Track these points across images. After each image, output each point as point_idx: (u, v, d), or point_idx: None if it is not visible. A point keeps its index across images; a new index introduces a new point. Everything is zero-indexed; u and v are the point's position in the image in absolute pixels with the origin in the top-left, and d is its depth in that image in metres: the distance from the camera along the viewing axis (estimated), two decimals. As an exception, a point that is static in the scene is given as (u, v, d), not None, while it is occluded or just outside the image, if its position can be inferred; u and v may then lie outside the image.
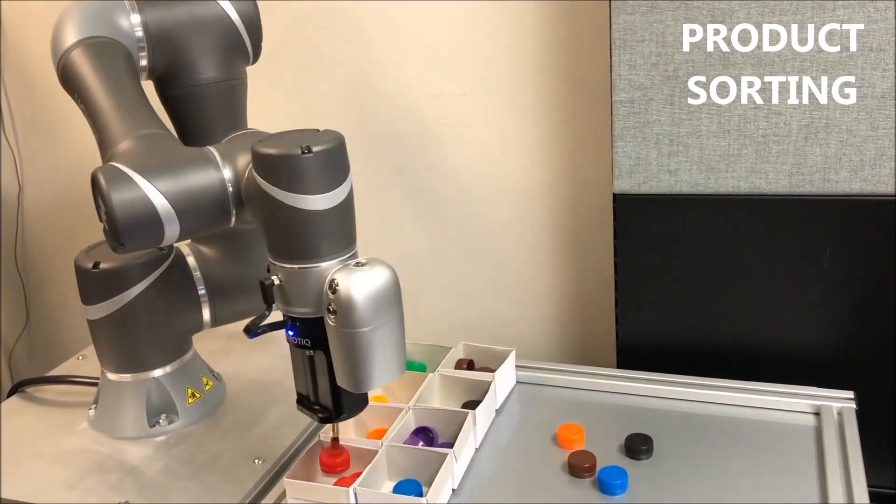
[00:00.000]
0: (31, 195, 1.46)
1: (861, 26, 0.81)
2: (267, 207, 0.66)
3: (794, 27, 0.83)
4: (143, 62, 0.86)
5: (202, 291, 0.94)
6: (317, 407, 0.73)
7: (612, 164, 0.93)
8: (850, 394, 0.87)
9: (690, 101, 0.88)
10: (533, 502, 0.77)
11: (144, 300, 0.88)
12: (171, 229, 0.69)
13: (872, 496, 0.74)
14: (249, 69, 0.93)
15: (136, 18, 0.85)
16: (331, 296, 0.65)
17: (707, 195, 0.91)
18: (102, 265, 0.87)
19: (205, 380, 0.96)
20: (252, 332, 0.70)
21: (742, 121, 0.88)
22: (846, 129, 0.85)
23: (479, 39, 1.10)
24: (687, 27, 0.86)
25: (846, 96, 0.84)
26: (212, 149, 0.73)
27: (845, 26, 0.82)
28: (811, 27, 0.82)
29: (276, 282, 0.68)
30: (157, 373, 0.92)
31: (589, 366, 0.98)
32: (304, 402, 0.75)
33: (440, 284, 1.25)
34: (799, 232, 0.90)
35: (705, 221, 0.92)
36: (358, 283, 0.64)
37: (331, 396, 0.71)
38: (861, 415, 0.85)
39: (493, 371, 0.91)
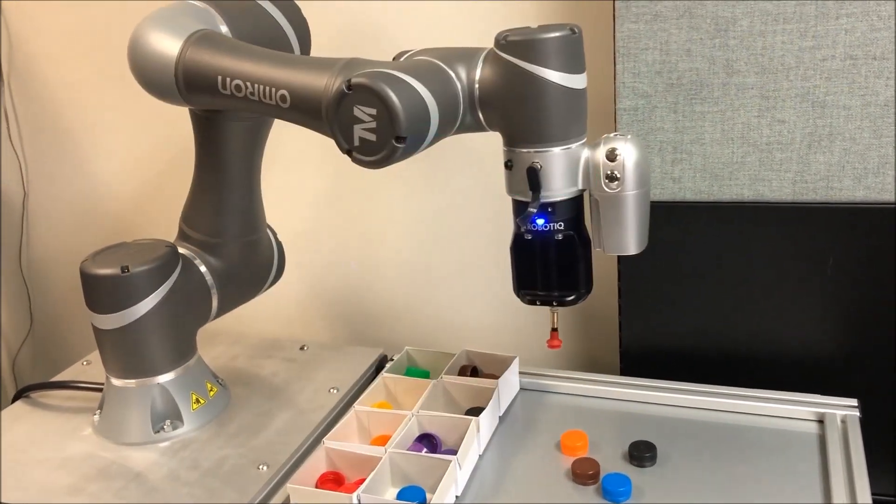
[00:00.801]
0: (35, 200, 1.46)
1: (864, 35, 0.81)
2: (528, 93, 0.69)
3: (797, 35, 0.83)
4: None
5: (210, 280, 0.95)
6: (556, 293, 0.77)
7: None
8: (854, 401, 0.87)
9: (694, 108, 0.89)
10: (536, 509, 0.77)
11: (160, 307, 0.89)
12: (433, 125, 0.70)
13: (876, 504, 0.74)
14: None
15: (224, 29, 0.84)
16: (610, 164, 0.70)
17: (711, 203, 0.92)
18: (134, 269, 0.87)
19: (209, 385, 0.97)
20: (527, 219, 0.73)
21: (745, 129, 0.88)
22: (849, 137, 0.85)
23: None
24: (690, 35, 0.86)
25: (849, 104, 0.84)
26: (433, 59, 0.73)
27: (848, 35, 0.82)
28: (814, 35, 0.83)
29: (539, 167, 0.71)
30: (162, 378, 0.92)
31: (593, 373, 0.98)
32: (537, 295, 0.78)
33: (443, 291, 1.25)
34: (802, 240, 0.90)
35: (709, 229, 0.93)
36: (635, 148, 0.71)
37: (580, 276, 0.76)
38: (865, 422, 0.85)
39: (497, 378, 0.91)
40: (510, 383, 0.95)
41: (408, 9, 1.12)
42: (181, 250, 0.95)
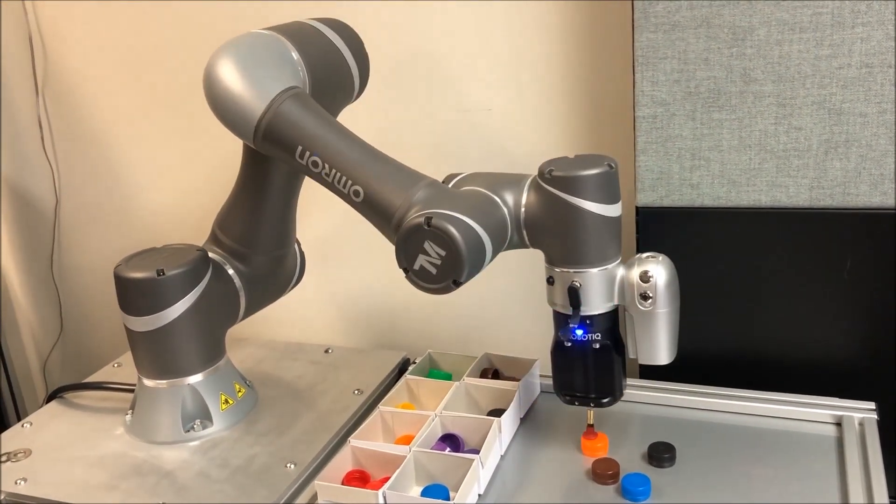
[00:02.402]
0: (67, 208, 1.50)
1: (879, 43, 0.83)
2: (570, 221, 0.75)
3: (814, 44, 0.85)
4: None
5: (238, 283, 0.97)
6: (593, 395, 0.82)
7: (635, 178, 0.95)
8: (872, 405, 0.88)
9: (712, 116, 0.90)
10: (557, 508, 0.79)
11: (192, 310, 0.92)
12: (486, 261, 0.77)
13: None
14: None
15: (300, 68, 0.84)
16: (644, 284, 0.76)
17: (728, 208, 0.93)
18: (168, 273, 0.90)
19: (237, 386, 0.99)
20: (567, 339, 0.80)
21: (763, 135, 0.89)
22: (866, 143, 0.86)
23: (504, 57, 1.13)
24: (708, 44, 0.88)
25: (865, 112, 0.85)
26: (483, 190, 0.79)
27: (864, 43, 0.83)
28: (830, 44, 0.84)
29: (578, 286, 0.77)
30: (192, 379, 0.95)
31: (612, 376, 0.99)
32: (577, 396, 0.83)
33: (465, 296, 1.27)
34: (819, 245, 0.91)
35: (727, 234, 0.94)
36: (663, 271, 0.76)
37: (614, 381, 0.82)
38: (882, 425, 0.86)
39: (518, 380, 0.93)
40: (531, 385, 0.97)
41: (457, 32, 1.15)
42: (211, 254, 0.98)
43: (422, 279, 0.75)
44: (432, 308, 1.30)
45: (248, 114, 0.79)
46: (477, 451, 0.81)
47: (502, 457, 0.87)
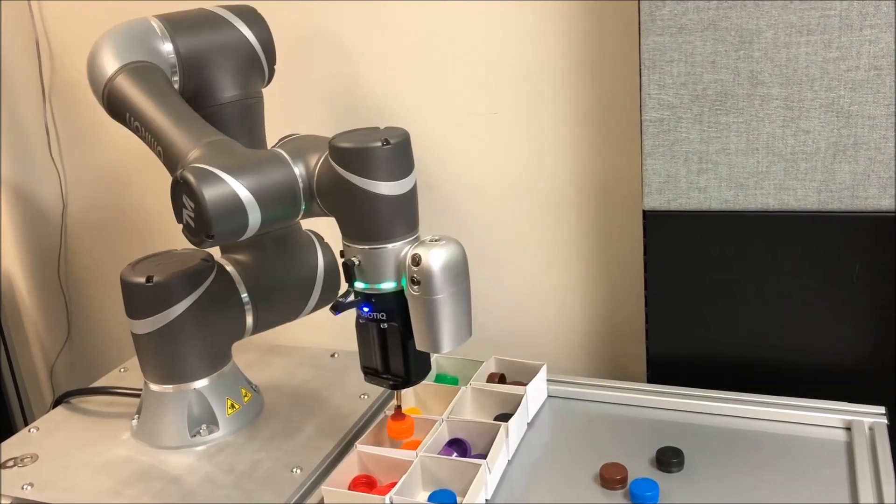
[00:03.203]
0: (74, 212, 1.50)
1: (888, 45, 0.82)
2: (346, 196, 0.74)
3: (822, 47, 0.84)
4: (176, 86, 0.92)
5: (245, 297, 0.97)
6: (386, 376, 0.81)
7: (642, 181, 0.95)
8: (882, 409, 0.88)
9: (719, 119, 0.90)
10: (565, 513, 0.78)
11: (191, 314, 0.92)
12: (254, 219, 0.77)
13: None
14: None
15: (168, 45, 0.91)
16: (414, 268, 0.74)
17: (736, 212, 0.93)
18: (155, 279, 0.90)
19: (243, 391, 0.99)
20: (337, 308, 0.78)
21: (770, 139, 0.89)
22: (874, 146, 0.86)
23: (510, 61, 1.13)
24: (715, 47, 0.87)
25: (874, 114, 0.85)
26: (279, 149, 0.81)
27: (872, 45, 0.83)
28: (838, 46, 0.84)
29: (356, 262, 0.76)
30: (198, 384, 0.95)
31: (620, 380, 0.99)
32: (372, 373, 0.82)
33: (473, 300, 1.27)
34: (828, 248, 0.91)
35: (734, 237, 0.94)
36: (437, 255, 0.73)
37: (403, 365, 0.80)
38: (893, 430, 0.85)
39: (525, 385, 0.93)
40: (538, 390, 0.96)
41: (463, 36, 1.15)
42: (228, 267, 0.98)
43: (188, 232, 0.77)
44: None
45: (98, 81, 0.89)
46: (484, 456, 0.81)
47: (509, 462, 0.87)
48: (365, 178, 0.73)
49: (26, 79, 1.44)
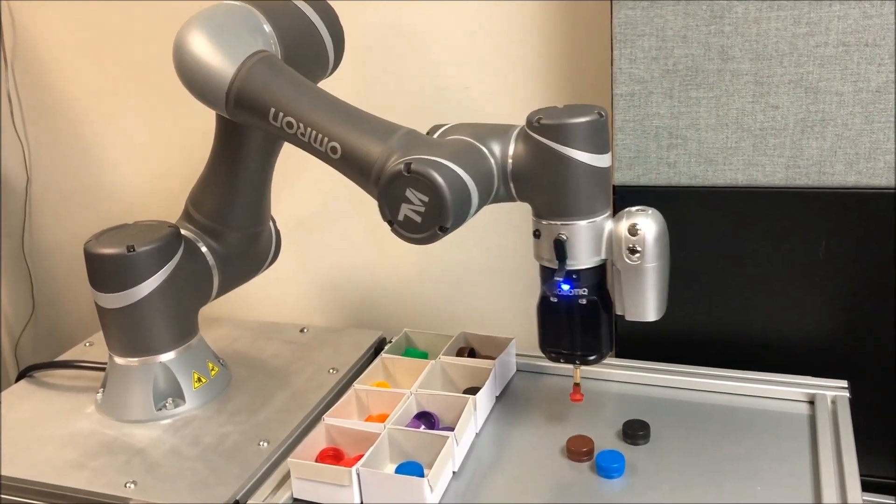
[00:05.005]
0: (38, 185, 1.47)
1: (856, 21, 0.83)
2: (558, 172, 0.73)
3: (791, 22, 0.84)
4: None
5: (210, 261, 0.96)
6: (579, 353, 0.81)
7: (612, 156, 0.94)
8: (844, 383, 0.89)
9: (689, 94, 0.90)
10: (531, 485, 0.78)
11: (161, 289, 0.90)
12: (473, 208, 0.75)
13: (865, 484, 0.75)
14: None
15: (269, 30, 0.84)
16: (632, 238, 0.74)
17: (705, 187, 0.93)
18: (137, 248, 0.88)
19: (210, 365, 0.98)
20: (556, 291, 0.78)
21: (740, 114, 0.89)
22: (842, 122, 0.87)
23: (482, 35, 1.12)
24: (686, 21, 0.87)
25: (842, 91, 0.85)
26: (468, 139, 0.77)
27: (841, 21, 0.83)
28: (807, 22, 0.84)
29: (565, 238, 0.75)
30: (164, 357, 0.93)
31: (588, 355, 0.99)
32: (558, 353, 0.82)
33: (442, 276, 1.27)
34: (795, 224, 0.91)
35: (703, 213, 0.94)
36: (653, 224, 0.75)
37: (599, 339, 0.80)
38: (855, 404, 0.86)
39: (494, 359, 0.93)
40: (507, 364, 0.96)
41: (435, 9, 1.13)
42: (184, 231, 0.96)
43: (407, 230, 0.73)
44: (409, 287, 1.29)
45: (218, 80, 0.79)
46: (452, 429, 0.81)
47: (477, 434, 0.87)
48: (587, 153, 0.72)
49: (-12, 47, 1.40)
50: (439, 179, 0.70)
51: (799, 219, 0.91)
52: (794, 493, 0.75)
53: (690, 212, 0.94)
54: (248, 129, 0.90)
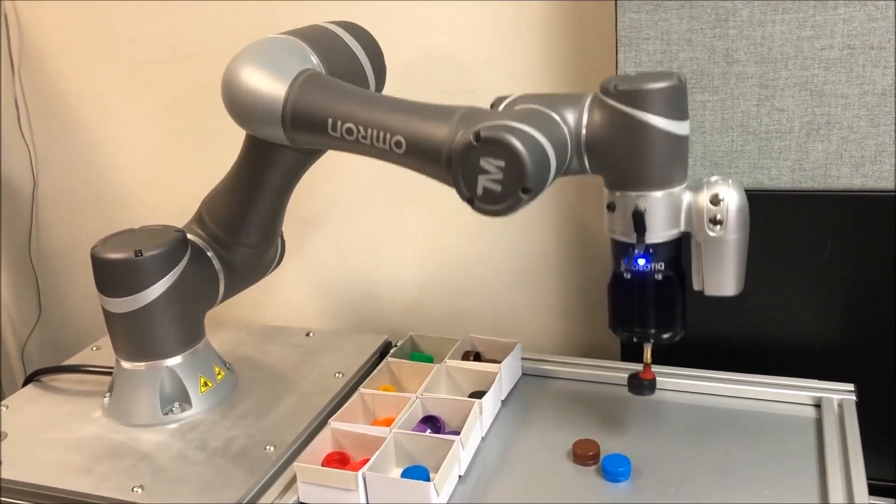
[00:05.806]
0: (44, 189, 1.48)
1: (862, 24, 0.83)
2: (638, 140, 0.70)
3: (796, 25, 0.84)
4: None
5: (217, 266, 0.96)
6: (653, 331, 0.79)
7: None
8: (851, 386, 0.89)
9: (694, 97, 0.90)
10: (537, 488, 0.78)
11: (168, 294, 0.91)
12: (552, 172, 0.71)
13: (872, 488, 0.75)
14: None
15: (315, 60, 0.84)
16: (713, 208, 0.73)
17: (710, 190, 0.93)
18: (145, 252, 0.88)
19: (217, 369, 0.98)
20: (633, 264, 0.76)
21: (745, 117, 0.89)
22: (847, 125, 0.86)
23: (487, 40, 1.12)
24: (691, 25, 0.87)
25: (847, 93, 0.85)
26: (536, 105, 0.74)
27: (846, 24, 0.83)
28: (812, 25, 0.84)
29: (643, 210, 0.72)
30: (171, 361, 0.94)
31: (593, 358, 0.99)
32: (632, 331, 0.80)
33: (447, 279, 1.27)
34: (800, 227, 0.91)
35: (709, 216, 0.94)
36: (735, 193, 0.73)
37: (676, 315, 0.78)
38: (861, 407, 0.86)
39: (500, 363, 0.93)
40: (512, 368, 0.96)
41: (435, 8, 1.14)
42: (191, 236, 0.97)
43: (489, 202, 0.70)
44: (414, 291, 1.29)
45: (271, 104, 0.79)
46: (458, 433, 0.81)
47: (483, 438, 0.87)
48: (667, 119, 0.70)
49: (-5, 52, 1.41)
50: (512, 138, 0.67)
51: (804, 222, 0.91)
52: (801, 497, 0.74)
53: (696, 215, 0.94)
54: (278, 154, 0.90)
